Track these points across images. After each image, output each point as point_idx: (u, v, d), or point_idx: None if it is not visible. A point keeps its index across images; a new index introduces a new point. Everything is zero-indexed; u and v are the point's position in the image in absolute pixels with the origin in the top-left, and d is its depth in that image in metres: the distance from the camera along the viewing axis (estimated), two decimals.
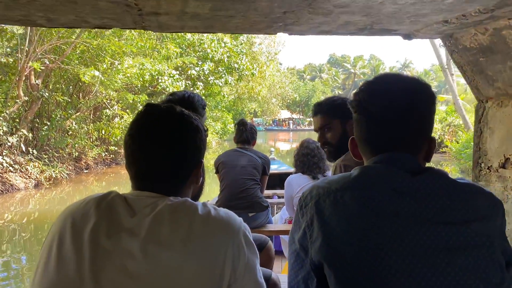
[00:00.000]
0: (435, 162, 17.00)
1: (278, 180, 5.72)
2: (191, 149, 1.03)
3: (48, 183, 10.52)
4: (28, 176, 10.04)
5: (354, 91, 1.06)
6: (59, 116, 11.28)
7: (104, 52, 11.55)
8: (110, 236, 0.89)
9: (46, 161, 10.72)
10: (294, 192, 3.40)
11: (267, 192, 4.50)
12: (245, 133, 3.59)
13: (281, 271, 3.62)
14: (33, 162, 10.24)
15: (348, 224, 0.86)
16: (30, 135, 10.46)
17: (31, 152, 10.37)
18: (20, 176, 9.84)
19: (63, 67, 10.75)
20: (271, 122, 67.13)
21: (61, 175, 10.81)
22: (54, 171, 10.60)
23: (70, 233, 0.91)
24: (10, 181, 9.35)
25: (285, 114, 70.29)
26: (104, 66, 11.90)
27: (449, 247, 0.84)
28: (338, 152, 1.88)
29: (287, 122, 73.36)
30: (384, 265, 0.82)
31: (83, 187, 11.34)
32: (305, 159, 3.44)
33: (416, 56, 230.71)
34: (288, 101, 53.79)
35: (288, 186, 3.48)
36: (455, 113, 20.13)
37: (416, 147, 0.98)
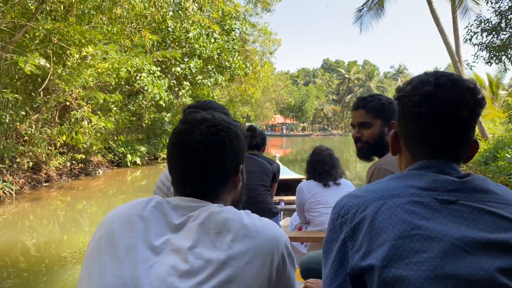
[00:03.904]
0: None
1: (284, 186, 5.74)
2: (229, 155, 1.04)
3: None
4: None
5: (411, 85, 1.01)
6: (8, 118, 9.11)
7: (70, 42, 9.48)
8: (160, 237, 0.93)
9: None
10: (306, 198, 3.43)
11: (274, 198, 4.44)
12: (255, 139, 3.54)
13: None
14: None
15: (393, 232, 0.86)
16: None
17: None
18: None
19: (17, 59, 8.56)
20: (264, 127, 65.51)
21: (4, 191, 8.63)
22: None
23: (120, 235, 0.94)
24: None
25: (278, 119, 68.79)
26: (73, 60, 9.83)
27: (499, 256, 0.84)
28: (371, 151, 1.93)
29: (280, 127, 71.87)
30: (436, 274, 0.82)
31: (39, 204, 9.14)
32: (317, 166, 3.45)
33: (409, 61, 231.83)
34: (282, 105, 52.05)
35: (300, 192, 3.50)
36: None
37: (467, 148, 1.01)
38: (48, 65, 7.74)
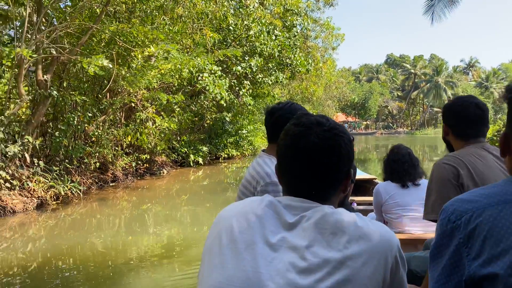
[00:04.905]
0: None
1: (355, 187, 5.55)
2: (344, 159, 1.05)
3: (55, 202, 8.56)
4: (30, 195, 8.12)
5: None
6: (76, 119, 9.33)
7: (134, 43, 9.55)
8: (276, 234, 0.97)
9: (56, 174, 8.76)
10: (383, 200, 3.30)
11: None
12: None
13: None
14: (38, 176, 8.31)
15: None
16: (37, 142, 8.54)
17: (36, 164, 8.45)
18: (20, 195, 7.92)
19: (80, 60, 8.75)
20: None
21: (72, 191, 8.81)
22: (64, 186, 8.63)
23: (238, 231, 0.98)
24: (2, 201, 7.41)
25: (339, 117, 67.26)
26: (137, 61, 9.93)
27: None
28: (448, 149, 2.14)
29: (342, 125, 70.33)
30: None
31: (106, 204, 9.27)
32: (395, 166, 3.29)
33: (481, 54, 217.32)
34: (344, 103, 50.68)
35: (377, 194, 3.38)
36: None
37: None
38: (110, 66, 7.76)
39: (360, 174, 7.09)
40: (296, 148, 1.04)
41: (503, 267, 0.82)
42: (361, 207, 5.14)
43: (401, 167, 3.26)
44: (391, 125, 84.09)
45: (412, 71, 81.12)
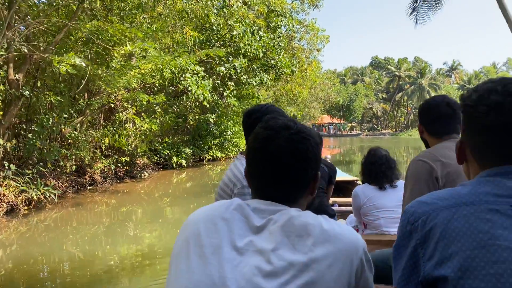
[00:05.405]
0: None
1: (336, 188, 5.59)
2: (312, 162, 1.06)
3: (26, 207, 8.16)
4: (0, 199, 7.70)
5: (477, 94, 0.94)
6: (51, 121, 8.93)
7: (112, 42, 9.19)
8: (243, 238, 0.97)
9: (29, 178, 8.35)
10: (361, 203, 3.33)
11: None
12: None
13: None
14: (9, 180, 7.90)
15: (469, 242, 0.84)
16: (8, 145, 8.13)
17: (7, 167, 8.03)
18: None
19: (51, 58, 8.34)
20: (311, 127, 64.42)
21: (46, 196, 8.41)
22: (36, 191, 8.23)
23: (206, 235, 0.98)
24: None
25: (325, 119, 67.41)
26: (117, 61, 9.58)
27: None
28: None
29: (327, 127, 70.45)
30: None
31: (82, 209, 8.89)
32: (372, 168, 3.33)
33: (464, 57, 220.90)
34: (329, 105, 50.76)
35: (355, 197, 3.39)
36: None
37: None
38: (84, 64, 7.42)
39: (342, 176, 7.08)
40: (264, 151, 1.04)
41: (454, 270, 0.83)
42: (342, 209, 5.14)
43: (378, 169, 3.31)
44: (376, 126, 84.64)
45: (397, 73, 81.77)
